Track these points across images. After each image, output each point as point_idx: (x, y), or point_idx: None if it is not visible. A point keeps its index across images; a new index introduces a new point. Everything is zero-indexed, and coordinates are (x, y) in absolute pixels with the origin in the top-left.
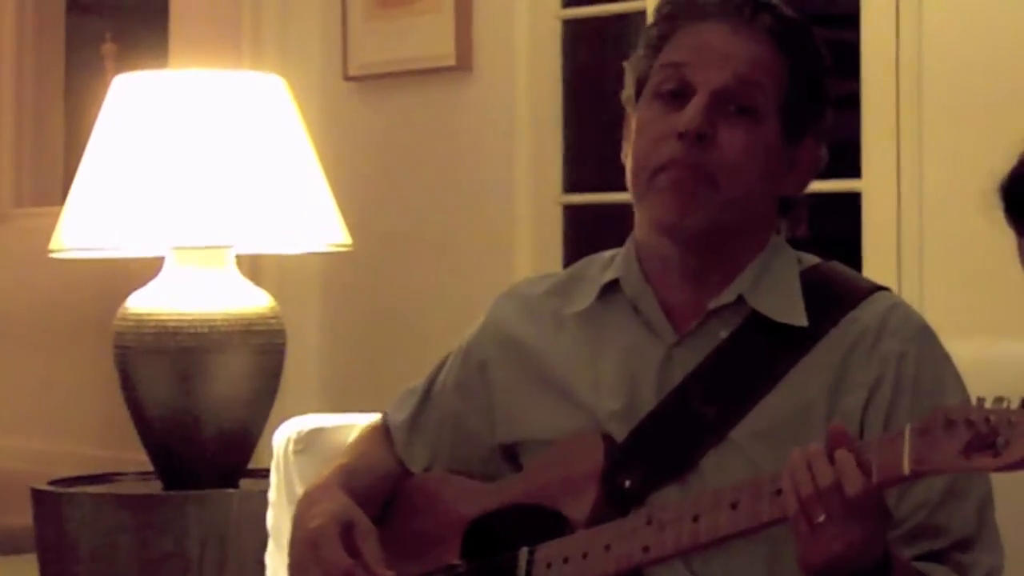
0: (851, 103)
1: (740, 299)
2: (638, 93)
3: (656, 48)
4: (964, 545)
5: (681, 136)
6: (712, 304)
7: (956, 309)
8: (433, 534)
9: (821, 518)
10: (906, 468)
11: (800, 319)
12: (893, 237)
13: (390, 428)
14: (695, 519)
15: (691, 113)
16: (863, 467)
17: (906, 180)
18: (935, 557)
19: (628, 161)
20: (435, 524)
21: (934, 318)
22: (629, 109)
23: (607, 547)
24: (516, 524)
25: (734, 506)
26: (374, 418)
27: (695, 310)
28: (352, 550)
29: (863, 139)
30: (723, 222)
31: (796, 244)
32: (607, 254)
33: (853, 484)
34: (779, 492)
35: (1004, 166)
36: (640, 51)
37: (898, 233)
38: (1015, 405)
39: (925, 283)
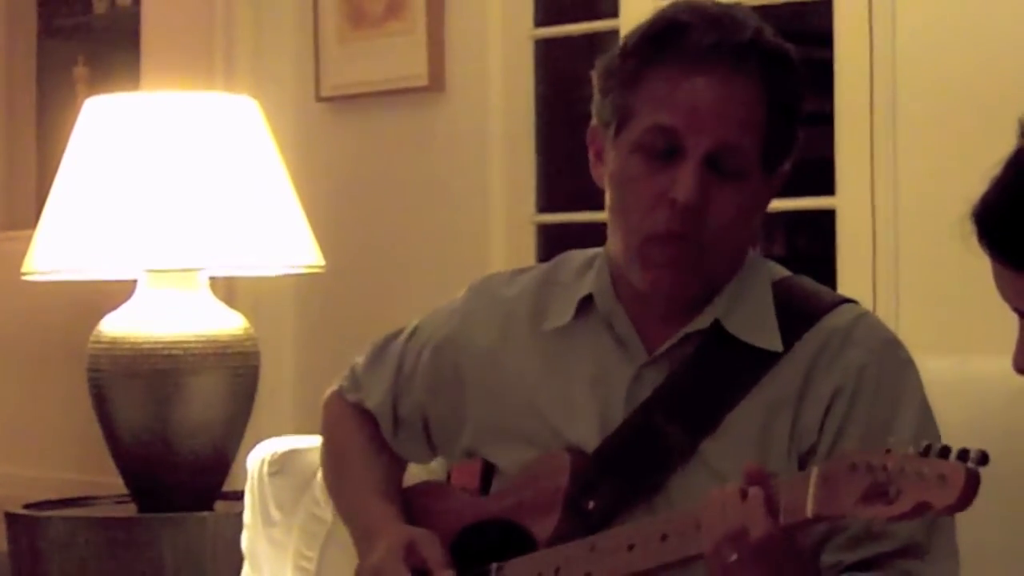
0: (825, 120)
1: (715, 322)
2: (619, 125)
3: (637, 76)
4: (911, 552)
5: (673, 204)
6: (688, 329)
7: (931, 326)
8: None
9: (732, 557)
10: (809, 512)
11: (775, 343)
12: (868, 254)
13: (372, 412)
14: (630, 548)
15: (686, 184)
16: (771, 509)
17: (880, 197)
18: (878, 563)
19: (607, 191)
20: None
21: (909, 335)
22: (601, 130)
23: (556, 570)
24: (493, 539)
25: (663, 538)
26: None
27: (669, 330)
28: (418, 564)
29: (837, 156)
30: (710, 280)
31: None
32: (583, 257)
33: (759, 526)
34: (699, 527)
35: (978, 188)
36: (617, 70)
37: (873, 250)
38: (926, 454)
39: (900, 300)
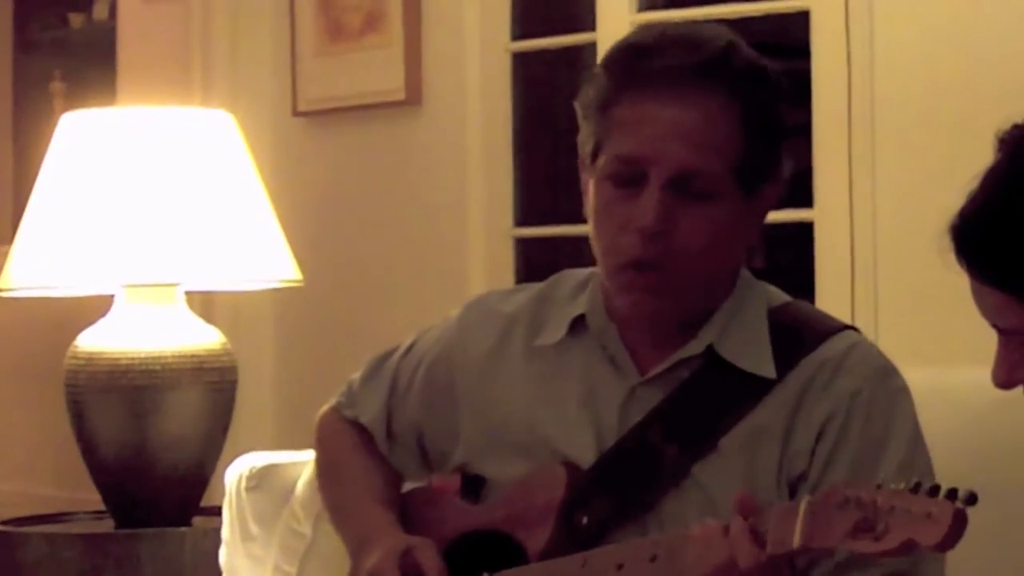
0: (803, 132)
1: (709, 346)
2: (593, 155)
3: (607, 104)
4: None
5: (639, 231)
6: (681, 355)
7: (910, 337)
8: None
9: None
10: (795, 543)
11: (768, 370)
12: (847, 266)
13: (366, 427)
14: (620, 567)
15: (645, 210)
16: (758, 539)
17: (859, 209)
18: None
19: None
20: None
21: (888, 346)
22: (585, 160)
23: None
24: (485, 549)
25: (653, 559)
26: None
27: (662, 352)
28: (413, 571)
29: (815, 168)
30: (691, 303)
31: (752, 274)
32: (579, 275)
33: (746, 557)
34: (686, 551)
35: (956, 200)
36: (590, 101)
37: (851, 262)
38: (916, 491)
39: (879, 311)
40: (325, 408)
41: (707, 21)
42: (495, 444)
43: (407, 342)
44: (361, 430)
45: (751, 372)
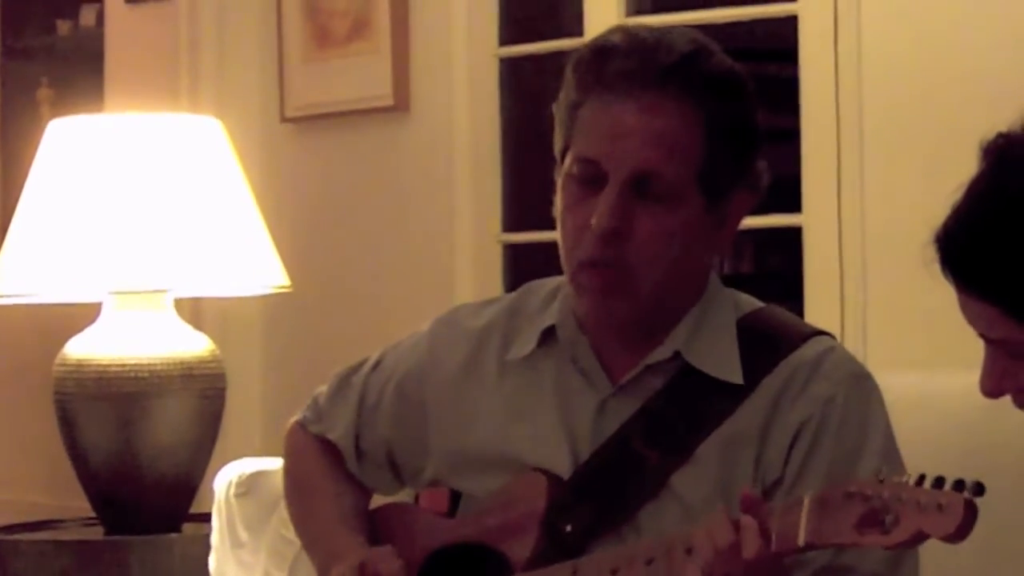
0: (791, 137)
1: (676, 353)
2: (562, 156)
3: (574, 105)
4: None
5: (596, 231)
6: (648, 361)
7: (899, 342)
8: None
9: None
10: (801, 539)
11: (735, 376)
12: (835, 270)
13: (335, 444)
14: (613, 572)
15: (601, 210)
16: (764, 534)
17: (847, 214)
18: None
19: (558, 223)
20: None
21: (876, 351)
22: (557, 161)
23: None
24: (466, 561)
25: (649, 562)
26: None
27: (631, 360)
28: None
29: (803, 173)
30: (650, 305)
31: (740, 280)
32: (549, 285)
33: (751, 549)
34: (690, 551)
35: (944, 206)
36: (561, 100)
37: (840, 266)
38: (921, 483)
39: (868, 316)
40: (291, 423)
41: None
42: (468, 460)
43: (373, 357)
44: (329, 447)
45: (718, 378)
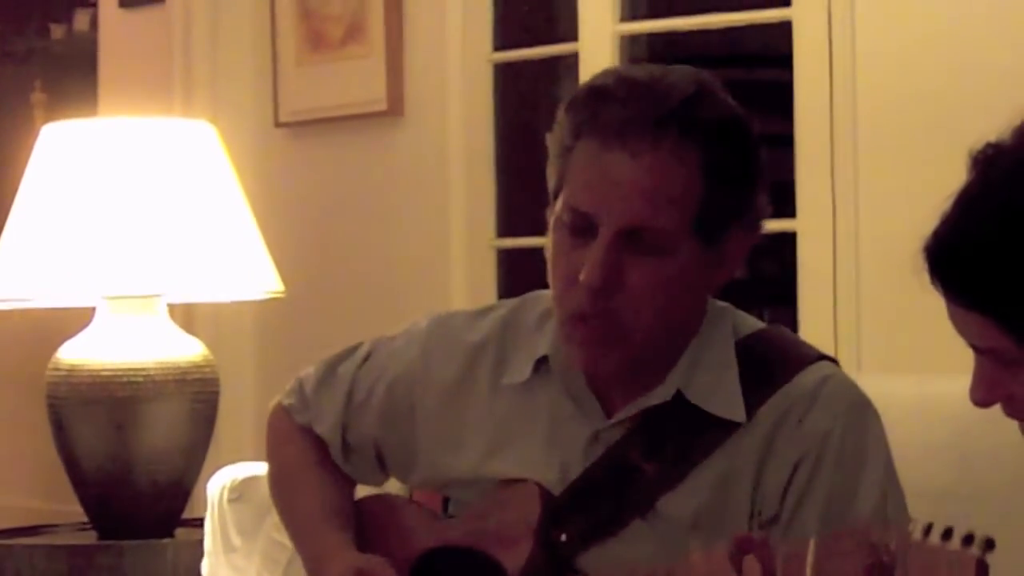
0: (786, 142)
1: (677, 392)
2: (554, 195)
3: (566, 148)
4: None
5: (585, 285)
6: (648, 403)
7: (892, 347)
8: None
9: None
10: None
11: (738, 414)
12: (829, 275)
13: (321, 438)
14: None
15: (590, 265)
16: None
17: (841, 219)
18: None
19: (548, 264)
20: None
21: (870, 357)
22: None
23: None
24: (457, 565)
25: None
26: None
27: (628, 391)
28: None
29: (798, 179)
30: (646, 351)
31: (734, 285)
32: (544, 303)
33: None
34: None
35: (938, 212)
36: (555, 139)
37: (834, 272)
38: (928, 534)
39: (862, 322)
40: (275, 407)
41: (690, 31)
42: (455, 476)
43: (364, 348)
44: (314, 437)
45: (720, 416)
